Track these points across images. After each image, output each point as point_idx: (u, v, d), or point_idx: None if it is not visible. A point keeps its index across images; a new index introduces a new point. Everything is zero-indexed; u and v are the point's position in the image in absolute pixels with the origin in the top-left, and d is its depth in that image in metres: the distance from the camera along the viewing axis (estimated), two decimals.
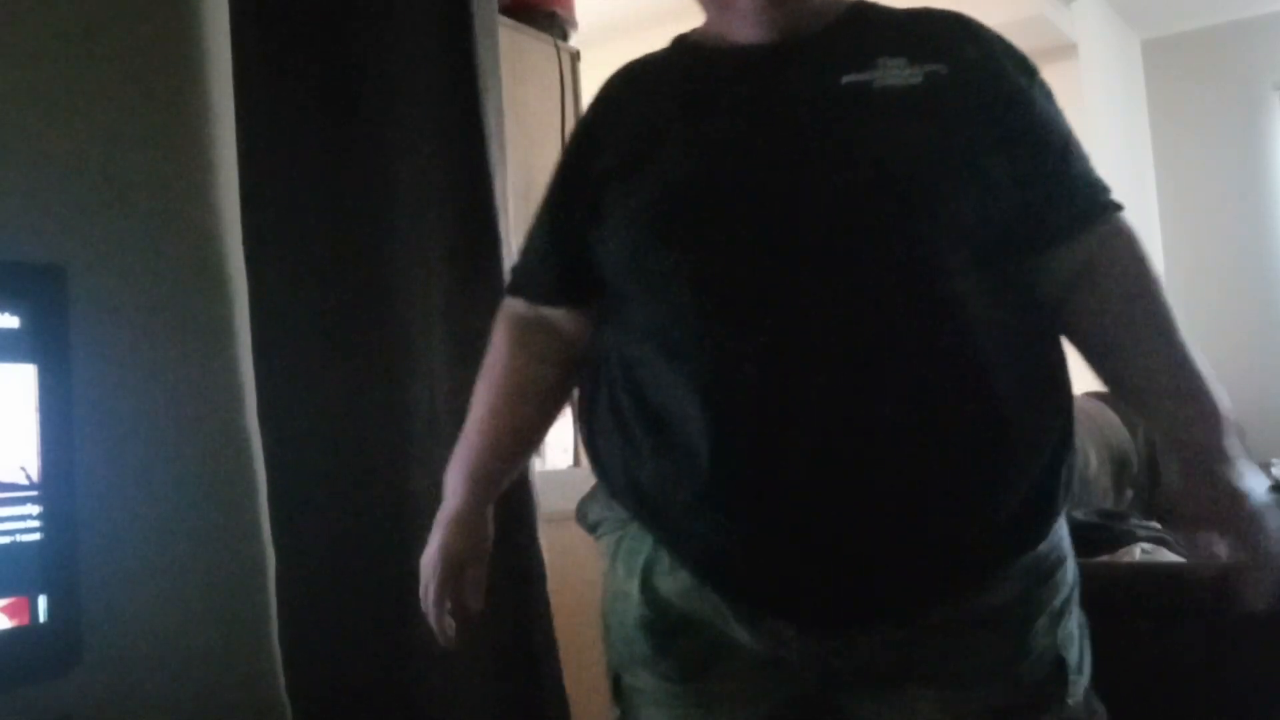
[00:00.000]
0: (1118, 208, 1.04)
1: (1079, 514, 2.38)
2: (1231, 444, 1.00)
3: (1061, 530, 1.05)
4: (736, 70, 1.03)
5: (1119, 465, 2.70)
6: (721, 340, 0.95)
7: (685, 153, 1.00)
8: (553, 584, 2.01)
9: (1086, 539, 2.28)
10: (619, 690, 1.12)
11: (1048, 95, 1.05)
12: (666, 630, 1.04)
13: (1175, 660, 1.71)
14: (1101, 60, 4.29)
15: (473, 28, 1.59)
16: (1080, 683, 1.03)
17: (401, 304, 1.53)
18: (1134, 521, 2.41)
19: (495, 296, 1.57)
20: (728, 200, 0.97)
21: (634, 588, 1.06)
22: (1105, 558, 2.17)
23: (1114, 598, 1.83)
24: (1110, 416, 2.82)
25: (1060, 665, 1.01)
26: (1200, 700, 1.68)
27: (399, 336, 1.52)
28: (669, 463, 0.99)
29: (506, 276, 1.53)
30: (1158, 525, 2.45)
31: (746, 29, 1.03)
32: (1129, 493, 2.71)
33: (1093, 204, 1.03)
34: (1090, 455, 2.54)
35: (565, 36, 2.24)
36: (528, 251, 1.18)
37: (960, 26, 1.05)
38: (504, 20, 2.06)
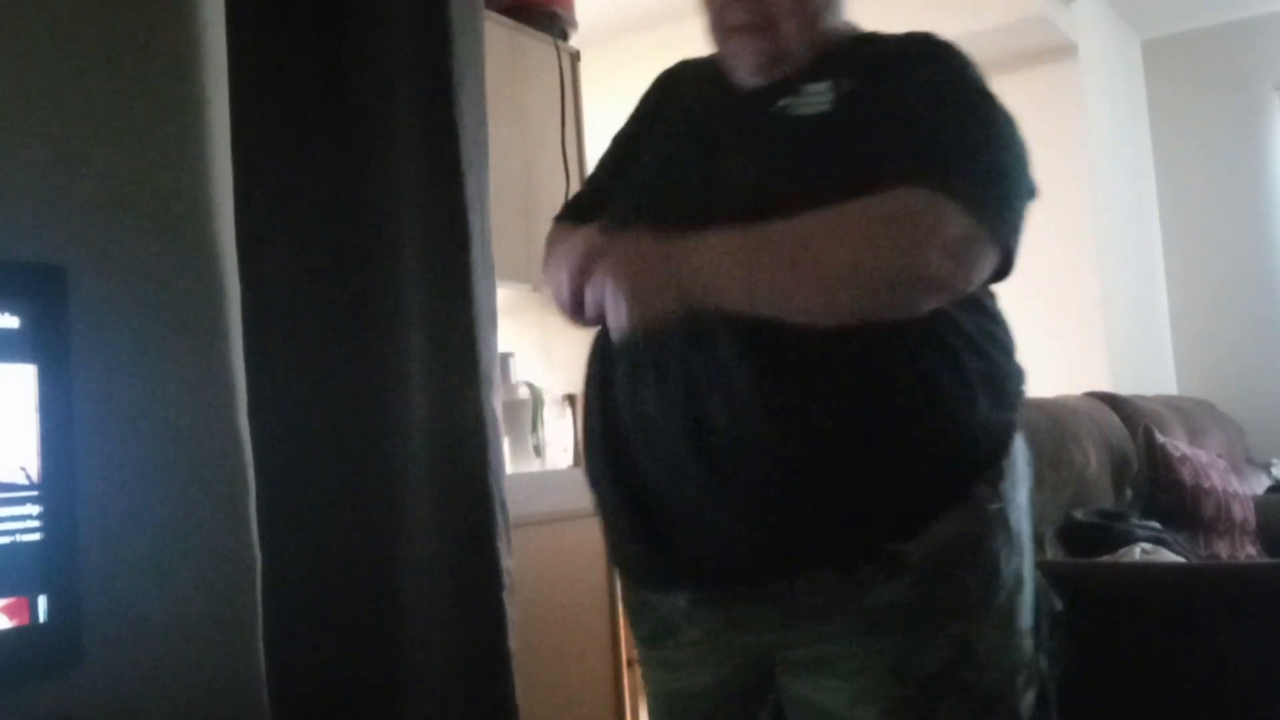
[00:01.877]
0: (939, 184, 1.01)
1: (1079, 514, 2.38)
2: (716, 258, 1.01)
3: (984, 533, 1.07)
4: (721, 101, 1.22)
5: (1119, 465, 2.70)
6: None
7: (650, 166, 1.22)
8: (551, 583, 2.01)
9: (1086, 539, 2.29)
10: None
11: (991, 115, 1.09)
12: (635, 606, 1.21)
13: (1175, 660, 1.71)
14: (1101, 60, 4.29)
15: (449, 24, 1.59)
16: (983, 673, 1.06)
17: (391, 305, 1.53)
18: (1134, 521, 2.41)
19: (465, 295, 1.59)
20: (660, 205, 1.14)
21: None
22: (1105, 558, 2.17)
23: (1114, 598, 1.83)
24: (1110, 416, 2.82)
25: (959, 660, 1.05)
26: (1201, 699, 1.68)
27: (389, 338, 1.52)
28: (590, 430, 1.15)
29: (475, 275, 1.62)
30: (1158, 525, 2.45)
31: (737, 73, 1.20)
32: (1129, 493, 2.71)
33: (918, 167, 1.03)
34: (1090, 455, 2.54)
35: (565, 36, 2.24)
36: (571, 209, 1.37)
37: (919, 47, 1.16)
38: (504, 20, 2.06)
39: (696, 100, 1.25)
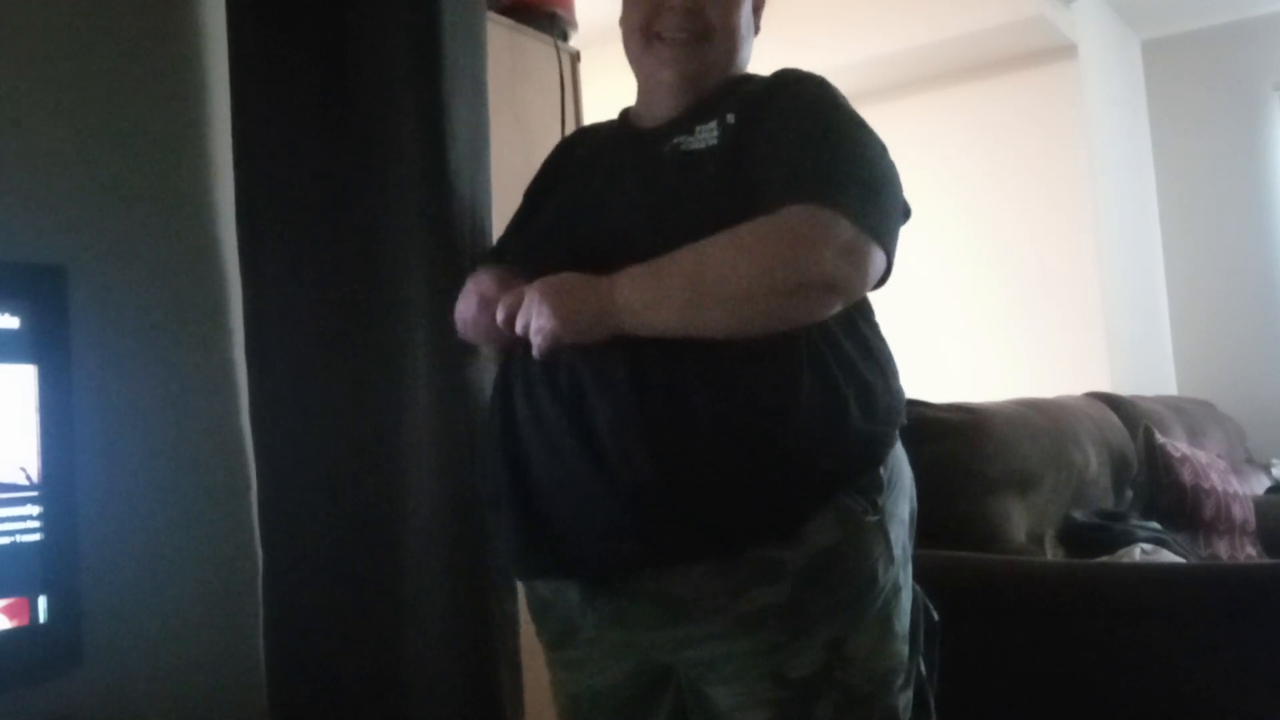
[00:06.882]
0: (825, 198, 1.08)
1: (1079, 514, 2.38)
2: (608, 290, 1.11)
3: (861, 544, 1.13)
4: (620, 145, 1.32)
5: (1119, 465, 2.70)
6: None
7: (554, 208, 1.32)
8: None
9: (1086, 540, 2.29)
10: None
11: (863, 137, 1.18)
12: (538, 608, 1.27)
13: (1175, 659, 1.71)
14: (1101, 60, 4.29)
15: (442, 26, 1.59)
16: (859, 674, 1.12)
17: (392, 304, 1.53)
18: (1134, 521, 2.42)
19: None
20: (566, 233, 1.25)
21: None
22: (1105, 558, 2.18)
23: (1114, 598, 1.83)
24: (1110, 417, 2.82)
25: (834, 663, 1.10)
26: (1201, 698, 1.68)
27: (391, 337, 1.52)
28: (489, 440, 1.26)
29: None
30: (1158, 525, 2.46)
31: (663, 104, 1.29)
32: (1129, 493, 2.71)
33: (803, 185, 1.10)
34: (1090, 455, 2.54)
35: (565, 37, 2.24)
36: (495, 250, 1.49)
37: (793, 77, 1.25)
38: (504, 20, 2.06)
39: (598, 149, 1.37)
